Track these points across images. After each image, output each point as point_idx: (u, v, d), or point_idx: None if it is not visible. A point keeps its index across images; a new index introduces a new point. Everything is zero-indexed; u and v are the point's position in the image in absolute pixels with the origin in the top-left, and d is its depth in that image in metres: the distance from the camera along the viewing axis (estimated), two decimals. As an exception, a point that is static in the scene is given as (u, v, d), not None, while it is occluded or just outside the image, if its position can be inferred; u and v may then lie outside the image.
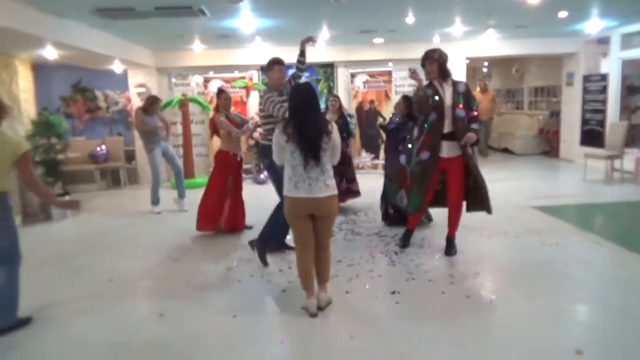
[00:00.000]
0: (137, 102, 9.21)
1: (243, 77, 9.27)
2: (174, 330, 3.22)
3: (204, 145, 9.67)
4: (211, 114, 9.26)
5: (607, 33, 8.34)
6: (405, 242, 4.69)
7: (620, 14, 6.97)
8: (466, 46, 9.20)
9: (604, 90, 8.73)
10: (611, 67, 8.59)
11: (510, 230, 5.15)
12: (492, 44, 9.18)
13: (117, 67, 8.45)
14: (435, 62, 4.14)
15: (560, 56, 9.86)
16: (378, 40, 8.62)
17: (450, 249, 4.48)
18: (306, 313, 3.33)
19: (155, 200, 6.66)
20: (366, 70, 9.33)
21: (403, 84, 9.61)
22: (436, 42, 8.77)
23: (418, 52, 9.16)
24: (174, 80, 9.64)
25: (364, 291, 3.74)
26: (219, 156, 5.42)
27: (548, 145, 11.30)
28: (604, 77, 8.77)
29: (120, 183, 9.11)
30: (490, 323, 3.18)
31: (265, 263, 4.32)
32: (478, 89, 10.74)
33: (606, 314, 3.25)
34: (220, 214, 5.33)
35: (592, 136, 9.13)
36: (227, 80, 9.25)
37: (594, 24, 7.38)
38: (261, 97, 4.37)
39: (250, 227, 5.53)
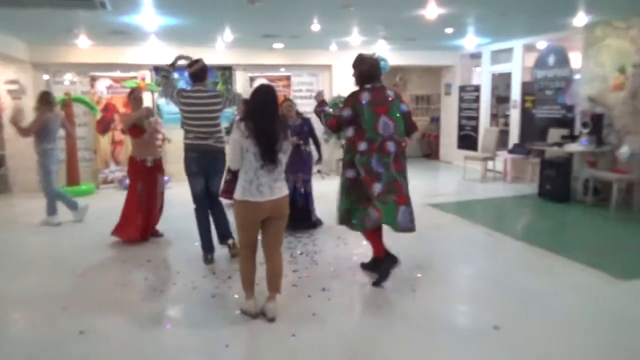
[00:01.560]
0: (7, 101, 8.17)
1: (134, 77, 8.72)
2: (103, 348, 2.97)
3: (89, 150, 8.89)
4: (99, 115, 8.65)
5: (480, 49, 9.45)
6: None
7: (491, 33, 7.96)
8: (359, 55, 9.70)
9: (477, 99, 9.86)
10: (483, 79, 9.75)
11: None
12: (383, 54, 9.79)
13: (-18, 60, 7.43)
14: (354, 69, 3.98)
15: (440, 68, 10.91)
16: (278, 45, 8.73)
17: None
18: (245, 315, 3.30)
19: (51, 210, 5.93)
20: (265, 75, 9.37)
21: (301, 89, 9.85)
22: (333, 50, 9.17)
23: (315, 58, 9.67)
24: (45, 77, 8.68)
25: (295, 290, 3.80)
26: (128, 163, 5.27)
27: (429, 148, 12.40)
28: (476, 88, 9.90)
29: (-13, 192, 7.98)
30: (415, 310, 3.45)
31: None
32: None
33: (513, 294, 3.72)
34: (136, 224, 5.00)
35: (467, 140, 10.25)
36: (116, 80, 8.63)
37: (470, 41, 8.33)
38: (228, 98, 4.47)
39: (160, 235, 5.29)
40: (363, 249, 4.67)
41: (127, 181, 5.42)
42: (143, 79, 8.84)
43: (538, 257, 4.60)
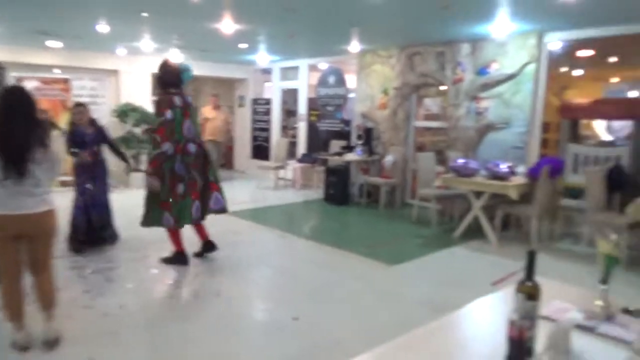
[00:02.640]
0: None
1: None
2: None
3: None
4: None
5: (271, 65, 10.09)
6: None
7: (280, 51, 8.60)
8: (153, 62, 9.29)
9: (268, 112, 10.49)
10: (273, 93, 10.42)
11: (215, 233, 5.63)
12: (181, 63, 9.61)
13: None
14: (159, 73, 4.47)
15: (233, 80, 11.24)
16: (55, 44, 7.78)
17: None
18: (16, 349, 2.87)
19: None
20: (37, 76, 8.23)
21: (82, 94, 8.94)
22: (121, 55, 8.62)
23: (100, 62, 8.94)
24: None
25: (89, 312, 3.49)
26: None
27: (223, 158, 12.60)
28: (268, 102, 10.53)
29: None
30: (221, 313, 3.55)
31: None
32: (210, 105, 9.82)
33: (307, 287, 4.12)
34: None
35: (260, 150, 10.79)
36: None
37: (262, 57, 8.84)
38: None
39: None
40: (160, 261, 4.55)
41: None
42: None
43: (326, 253, 5.18)
